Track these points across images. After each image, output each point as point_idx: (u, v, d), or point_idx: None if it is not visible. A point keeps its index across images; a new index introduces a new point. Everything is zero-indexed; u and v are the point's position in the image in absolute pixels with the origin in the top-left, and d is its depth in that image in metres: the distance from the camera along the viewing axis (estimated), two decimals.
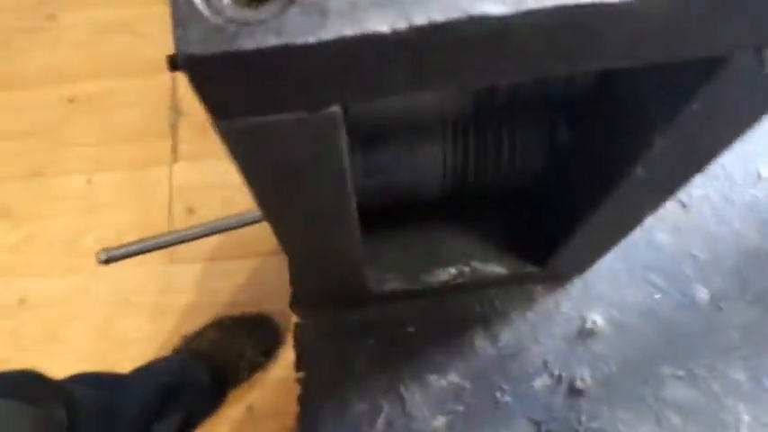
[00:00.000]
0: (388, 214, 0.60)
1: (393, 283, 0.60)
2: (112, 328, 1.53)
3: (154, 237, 0.88)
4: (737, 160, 0.74)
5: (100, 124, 1.68)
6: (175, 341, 1.48)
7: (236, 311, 1.49)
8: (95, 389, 1.06)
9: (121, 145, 1.63)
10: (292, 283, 0.60)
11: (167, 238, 0.87)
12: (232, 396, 1.43)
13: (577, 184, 0.50)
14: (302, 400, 0.59)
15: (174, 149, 1.63)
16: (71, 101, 1.67)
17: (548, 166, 0.53)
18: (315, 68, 0.23)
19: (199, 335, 1.44)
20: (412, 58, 0.23)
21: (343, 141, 0.30)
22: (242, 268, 1.57)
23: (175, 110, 1.65)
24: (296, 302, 0.62)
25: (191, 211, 1.61)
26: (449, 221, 0.62)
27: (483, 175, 0.54)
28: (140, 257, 1.60)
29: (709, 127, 0.35)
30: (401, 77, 0.24)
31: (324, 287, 0.57)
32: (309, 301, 0.62)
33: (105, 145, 1.64)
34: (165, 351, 1.47)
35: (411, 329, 0.63)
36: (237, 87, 0.24)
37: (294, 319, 0.63)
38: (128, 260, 1.60)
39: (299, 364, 0.61)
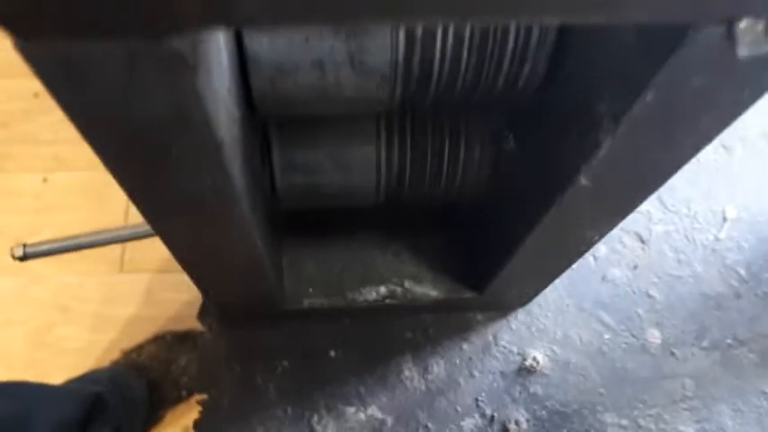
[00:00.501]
0: (313, 219, 0.54)
1: (314, 299, 0.53)
2: (49, 335, 1.45)
3: (76, 236, 0.81)
4: (702, 199, 0.70)
5: (63, 122, 1.61)
6: (115, 354, 1.40)
7: (183, 327, 1.42)
8: (9, 400, 0.99)
9: (82, 145, 1.57)
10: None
11: (90, 238, 0.80)
12: (170, 416, 1.35)
13: (518, 198, 0.44)
14: (199, 427, 0.52)
15: None
16: (36, 95, 1.61)
17: (490, 175, 0.47)
18: None
19: (139, 348, 1.37)
20: None
21: (216, 100, 0.24)
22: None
23: None
24: (205, 314, 0.55)
25: None
26: (382, 235, 0.56)
27: (421, 180, 0.48)
28: (89, 264, 1.54)
29: (664, 128, 0.29)
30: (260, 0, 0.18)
31: (231, 299, 0.51)
32: (220, 313, 0.55)
33: (66, 144, 1.58)
34: (104, 363, 1.39)
35: (332, 354, 0.57)
36: None
37: (203, 332, 0.56)
38: (73, 266, 1.52)
39: (200, 384, 0.54)
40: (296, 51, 0.32)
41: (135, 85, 0.21)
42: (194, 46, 0.20)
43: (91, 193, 1.57)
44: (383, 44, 0.32)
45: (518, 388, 0.58)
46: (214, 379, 0.54)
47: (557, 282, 0.55)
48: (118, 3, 0.18)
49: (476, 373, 0.58)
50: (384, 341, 0.58)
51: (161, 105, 0.22)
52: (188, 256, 0.39)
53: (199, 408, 0.55)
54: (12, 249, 0.80)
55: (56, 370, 1.32)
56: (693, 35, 0.22)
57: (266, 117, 0.42)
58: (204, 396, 0.54)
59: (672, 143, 0.30)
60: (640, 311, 0.63)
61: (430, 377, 0.58)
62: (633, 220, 0.67)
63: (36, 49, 0.19)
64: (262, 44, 0.31)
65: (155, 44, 0.19)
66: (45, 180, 1.59)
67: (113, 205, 1.54)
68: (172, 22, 0.18)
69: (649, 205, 0.69)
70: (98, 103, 0.22)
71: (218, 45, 0.25)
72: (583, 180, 0.34)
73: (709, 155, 0.72)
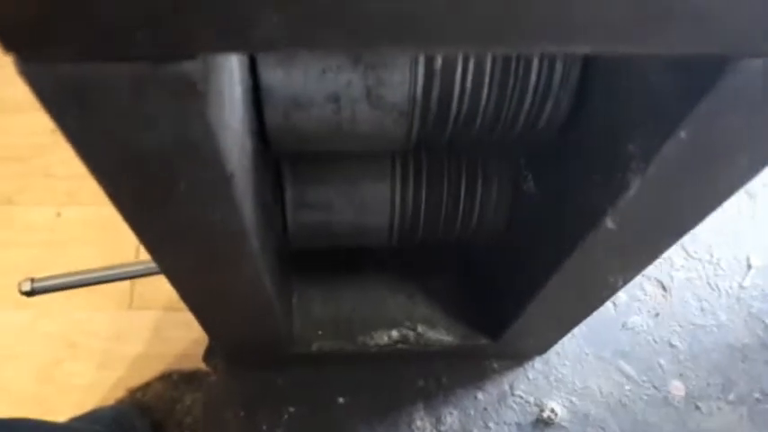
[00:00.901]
0: (324, 256, 0.52)
1: (323, 342, 0.52)
2: (56, 371, 1.43)
3: (84, 271, 0.80)
4: (726, 245, 0.68)
5: (78, 158, 1.64)
6: (121, 392, 1.38)
7: (191, 365, 1.40)
8: None
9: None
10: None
11: (98, 274, 0.79)
12: None
13: (537, 242, 0.43)
14: None
15: None
16: (54, 131, 1.63)
17: (507, 217, 0.46)
18: None
19: (145, 387, 1.35)
20: None
21: (227, 131, 0.23)
22: None
23: None
24: (211, 354, 0.53)
25: None
26: (395, 275, 0.54)
27: (436, 221, 0.46)
28: (98, 299, 1.52)
29: (698, 168, 0.28)
30: (277, 23, 0.17)
31: (239, 341, 0.49)
32: (226, 354, 0.53)
33: (80, 179, 1.59)
34: (109, 401, 1.37)
35: (341, 400, 0.55)
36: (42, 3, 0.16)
37: (207, 373, 0.54)
38: (83, 301, 1.51)
39: (204, 428, 0.52)
40: (311, 84, 0.31)
41: (141, 112, 0.20)
42: (205, 72, 0.19)
43: (103, 229, 1.57)
44: (402, 78, 0.31)
45: None
46: (217, 424, 0.52)
47: (575, 329, 0.53)
48: (125, 24, 0.17)
49: (491, 425, 0.56)
50: (395, 388, 0.56)
51: (168, 135, 0.21)
52: (193, 294, 0.37)
53: None
54: (19, 284, 0.79)
55: (62, 406, 1.30)
56: (733, 67, 0.21)
57: (280, 153, 0.41)
58: None
59: (706, 184, 0.29)
60: (662, 361, 0.60)
61: (443, 428, 0.55)
62: (654, 267, 0.65)
63: (38, 70, 0.18)
64: (276, 76, 0.31)
65: (163, 68, 0.18)
66: (59, 215, 1.60)
67: (125, 243, 1.54)
68: (183, 45, 0.17)
69: (671, 251, 0.66)
70: (101, 130, 0.21)
71: (231, 73, 0.24)
72: (609, 223, 0.32)
73: (732, 201, 0.70)
